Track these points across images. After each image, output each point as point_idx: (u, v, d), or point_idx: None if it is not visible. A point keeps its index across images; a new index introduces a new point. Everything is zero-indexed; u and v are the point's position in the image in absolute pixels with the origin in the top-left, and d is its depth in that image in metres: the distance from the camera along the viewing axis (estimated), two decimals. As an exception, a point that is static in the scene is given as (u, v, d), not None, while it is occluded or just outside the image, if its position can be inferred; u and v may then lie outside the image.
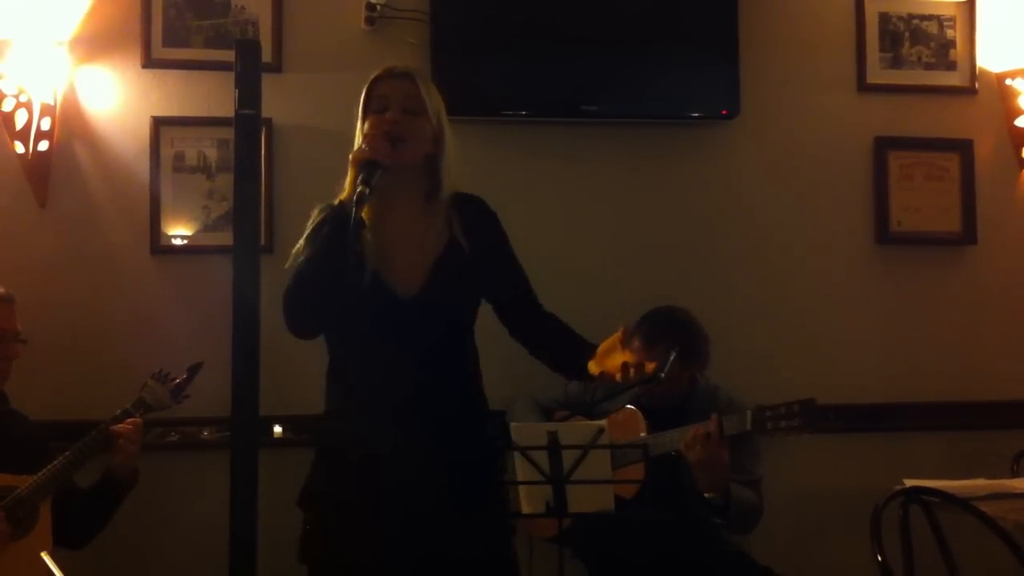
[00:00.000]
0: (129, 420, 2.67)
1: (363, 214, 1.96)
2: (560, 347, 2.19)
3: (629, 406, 2.89)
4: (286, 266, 2.09)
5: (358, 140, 2.11)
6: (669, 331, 2.85)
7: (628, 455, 2.60)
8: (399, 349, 2.02)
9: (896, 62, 3.60)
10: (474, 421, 2.15)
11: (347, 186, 2.01)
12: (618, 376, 2.00)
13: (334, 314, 2.02)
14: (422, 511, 1.98)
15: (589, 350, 2.10)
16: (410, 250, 2.09)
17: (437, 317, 2.07)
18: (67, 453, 2.58)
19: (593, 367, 2.06)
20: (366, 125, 2.09)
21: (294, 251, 2.11)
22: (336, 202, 2.04)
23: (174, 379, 2.80)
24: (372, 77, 2.13)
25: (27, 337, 2.72)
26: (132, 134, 3.21)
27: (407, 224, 2.10)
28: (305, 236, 2.09)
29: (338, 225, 1.95)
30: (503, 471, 2.17)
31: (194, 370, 2.82)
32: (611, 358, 2.03)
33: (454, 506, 1.98)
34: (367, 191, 1.92)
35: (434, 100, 2.13)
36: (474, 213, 2.18)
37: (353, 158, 2.00)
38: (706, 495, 2.63)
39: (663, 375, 2.75)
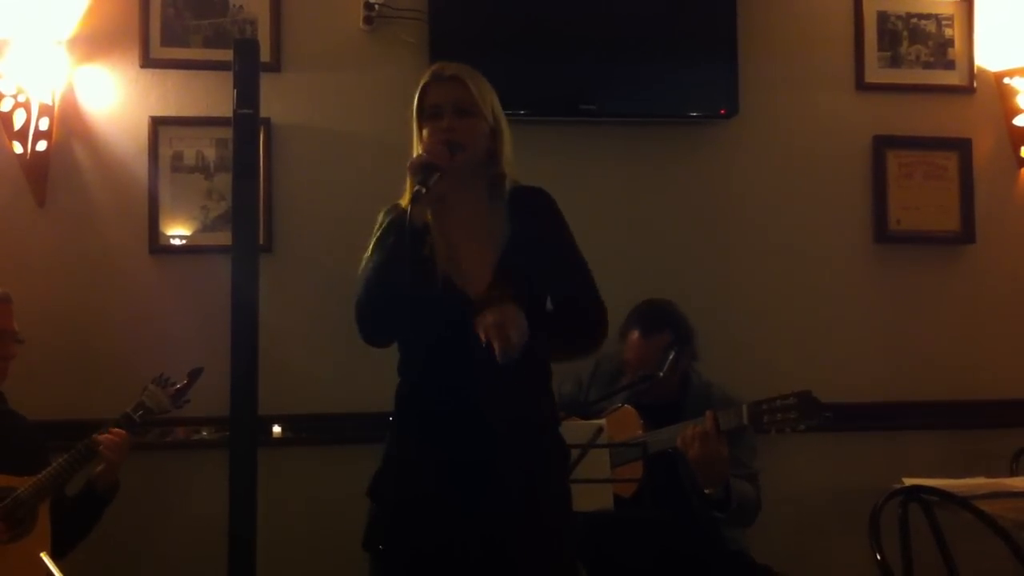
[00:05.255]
0: (113, 431, 2.65)
1: (427, 218, 1.95)
2: None
3: (625, 404, 2.89)
4: (358, 274, 2.07)
5: (416, 149, 2.09)
6: (665, 321, 2.89)
7: (626, 453, 2.60)
8: (471, 350, 1.96)
9: (895, 61, 3.60)
10: (541, 425, 2.09)
11: (406, 192, 2.01)
12: None
13: (405, 321, 2.00)
14: (487, 516, 1.96)
15: None
16: (476, 250, 2.07)
17: None
18: (66, 456, 2.58)
19: None
20: (424, 133, 2.08)
21: (364, 257, 2.09)
22: (402, 203, 2.03)
23: (175, 384, 2.79)
24: (422, 83, 2.11)
25: (25, 337, 2.72)
26: (130, 134, 3.21)
27: (472, 224, 2.09)
28: (372, 243, 2.09)
29: (401, 232, 1.95)
30: (567, 478, 2.14)
31: (195, 375, 2.81)
32: None
33: (523, 513, 1.96)
34: (423, 190, 1.92)
35: (487, 97, 2.11)
36: (532, 206, 2.15)
37: (410, 164, 2.00)
38: (706, 491, 2.64)
39: (662, 373, 2.79)
